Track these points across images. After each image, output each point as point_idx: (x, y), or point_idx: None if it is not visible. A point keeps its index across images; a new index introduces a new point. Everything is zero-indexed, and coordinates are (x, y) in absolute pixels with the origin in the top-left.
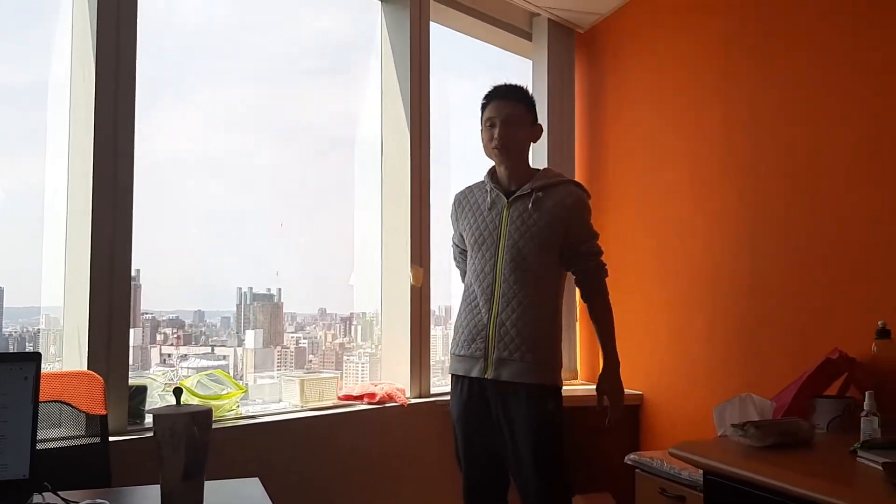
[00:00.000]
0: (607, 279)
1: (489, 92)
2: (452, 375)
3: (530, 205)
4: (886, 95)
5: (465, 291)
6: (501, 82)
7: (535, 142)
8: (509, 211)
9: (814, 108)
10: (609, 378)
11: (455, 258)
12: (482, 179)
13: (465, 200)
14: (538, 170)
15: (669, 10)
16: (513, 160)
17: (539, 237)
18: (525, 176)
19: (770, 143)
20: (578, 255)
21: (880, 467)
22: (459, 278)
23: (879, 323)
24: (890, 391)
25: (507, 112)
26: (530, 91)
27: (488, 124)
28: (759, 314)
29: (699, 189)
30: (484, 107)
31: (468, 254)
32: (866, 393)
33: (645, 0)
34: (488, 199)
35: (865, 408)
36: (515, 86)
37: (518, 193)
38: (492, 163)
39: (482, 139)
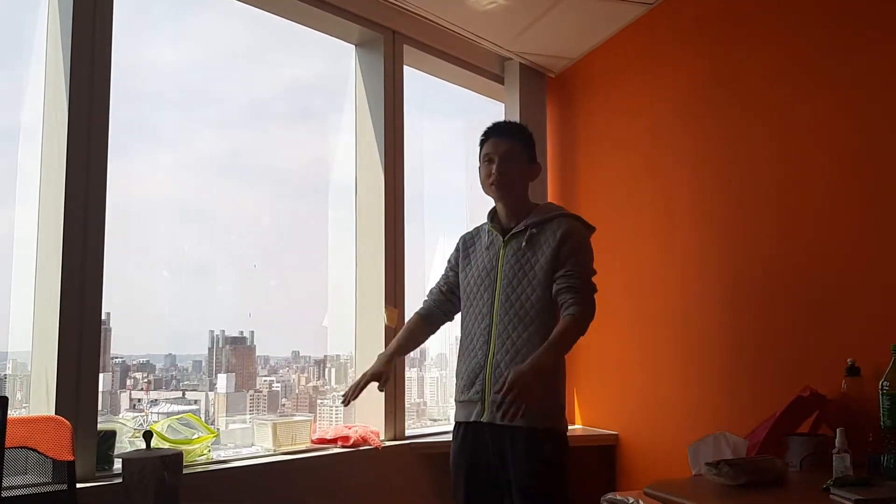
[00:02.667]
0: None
1: (487, 129)
2: (455, 423)
3: (524, 243)
4: (858, 135)
5: (462, 336)
6: (500, 121)
7: (532, 180)
8: (505, 250)
9: (786, 148)
10: (518, 367)
11: (430, 293)
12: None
13: (470, 241)
14: (538, 205)
15: (638, 54)
16: (510, 196)
17: (531, 275)
18: (523, 213)
19: (741, 183)
20: (556, 279)
21: None
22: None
23: (849, 360)
24: (860, 428)
25: (504, 148)
26: (528, 129)
27: (486, 160)
28: (732, 353)
29: (672, 230)
30: (482, 143)
31: (465, 298)
32: (837, 430)
33: (614, 45)
34: (486, 239)
35: (837, 445)
36: (514, 123)
37: (514, 231)
38: (490, 202)
39: (480, 176)
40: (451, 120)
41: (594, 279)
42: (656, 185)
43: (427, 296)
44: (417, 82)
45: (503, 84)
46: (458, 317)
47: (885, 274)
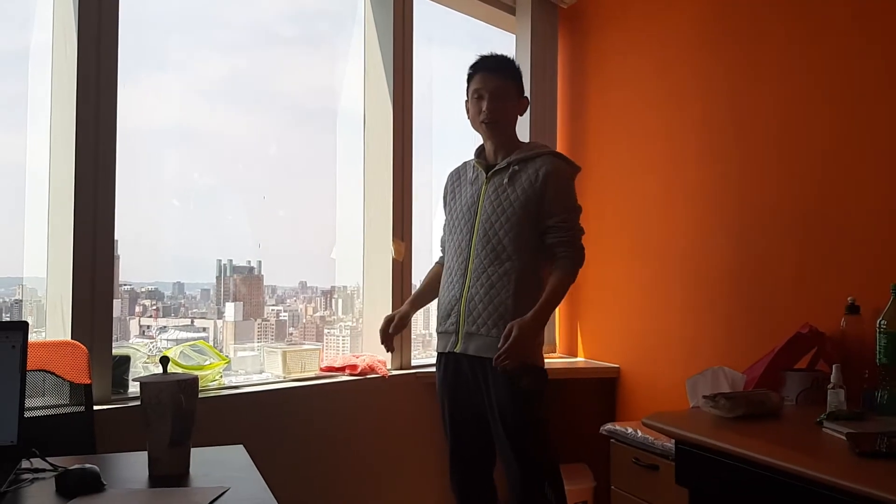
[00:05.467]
0: (581, 259)
1: (475, 63)
2: (437, 353)
3: (506, 179)
4: (863, 73)
5: (444, 268)
6: (487, 53)
7: (521, 115)
8: (487, 186)
9: (795, 87)
10: (522, 321)
11: (441, 241)
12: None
13: (456, 177)
14: (524, 143)
15: None
16: (501, 135)
17: (510, 212)
18: (510, 149)
19: (748, 121)
20: (547, 230)
21: (844, 437)
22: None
23: (849, 299)
24: (856, 365)
25: (495, 84)
26: (516, 62)
27: (475, 97)
28: (733, 289)
29: (678, 166)
30: (470, 78)
31: (448, 231)
32: (833, 366)
33: None
34: (471, 174)
35: (832, 381)
36: (503, 57)
37: (496, 168)
38: (479, 139)
39: (468, 112)
40: (461, 51)
41: (581, 219)
42: (665, 120)
43: (441, 246)
44: (427, 10)
45: (514, 14)
46: None
47: (888, 214)
